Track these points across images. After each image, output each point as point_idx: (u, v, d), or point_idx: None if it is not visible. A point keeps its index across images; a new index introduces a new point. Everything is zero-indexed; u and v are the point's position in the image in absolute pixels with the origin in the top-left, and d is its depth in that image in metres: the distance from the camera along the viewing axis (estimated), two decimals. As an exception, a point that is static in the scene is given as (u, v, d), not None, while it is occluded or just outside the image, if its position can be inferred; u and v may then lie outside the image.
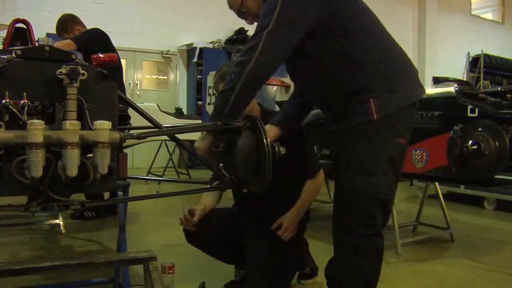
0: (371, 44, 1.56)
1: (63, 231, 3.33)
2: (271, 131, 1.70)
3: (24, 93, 1.12)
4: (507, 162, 2.51)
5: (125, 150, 1.32)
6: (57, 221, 3.40)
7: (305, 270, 2.41)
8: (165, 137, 3.40)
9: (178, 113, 6.00)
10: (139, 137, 1.26)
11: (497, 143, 2.51)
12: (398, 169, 1.61)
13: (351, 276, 1.58)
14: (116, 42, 3.71)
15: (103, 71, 1.23)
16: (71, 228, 3.45)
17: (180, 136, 1.51)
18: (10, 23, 2.77)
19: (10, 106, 1.10)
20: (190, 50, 8.03)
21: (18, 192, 1.16)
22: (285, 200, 2.08)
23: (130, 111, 2.99)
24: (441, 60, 10.98)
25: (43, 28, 5.16)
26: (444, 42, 11.33)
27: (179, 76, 8.30)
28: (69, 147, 1.11)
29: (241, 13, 1.75)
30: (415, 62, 1.86)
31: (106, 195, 3.21)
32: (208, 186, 1.65)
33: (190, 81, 8.14)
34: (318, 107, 1.87)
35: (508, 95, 2.79)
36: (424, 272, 2.70)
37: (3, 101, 1.09)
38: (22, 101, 1.11)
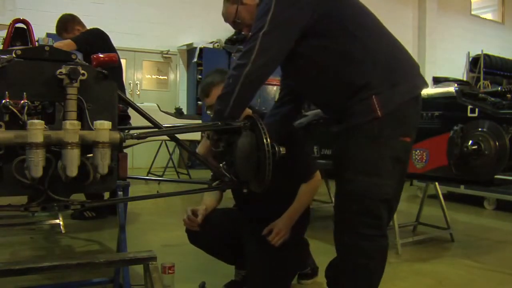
0: (371, 42, 1.55)
1: (63, 231, 3.33)
2: None
3: (24, 93, 1.12)
4: (507, 162, 2.51)
5: (125, 150, 1.32)
6: (57, 221, 3.40)
7: (305, 270, 2.41)
8: (165, 137, 3.40)
9: (178, 113, 6.00)
10: (139, 137, 1.26)
11: (497, 143, 2.51)
12: (403, 168, 1.60)
13: (355, 277, 1.57)
14: (116, 42, 3.71)
15: (103, 71, 1.23)
16: (71, 228, 3.45)
17: (180, 136, 1.52)
18: (10, 23, 2.76)
19: (10, 106, 1.10)
20: (190, 50, 8.03)
21: (18, 192, 1.16)
22: (285, 200, 2.07)
23: (130, 111, 2.99)
24: (441, 60, 10.98)
25: (43, 28, 5.15)
26: (444, 42, 11.34)
27: (179, 76, 8.30)
28: (69, 147, 1.11)
29: (236, 24, 1.75)
30: (415, 62, 1.85)
31: (106, 195, 3.21)
32: (208, 186, 1.65)
33: (190, 81, 8.14)
34: (318, 107, 1.85)
35: (508, 95, 2.78)
36: (424, 272, 2.69)
37: (3, 101, 1.09)
38: (22, 101, 1.11)
